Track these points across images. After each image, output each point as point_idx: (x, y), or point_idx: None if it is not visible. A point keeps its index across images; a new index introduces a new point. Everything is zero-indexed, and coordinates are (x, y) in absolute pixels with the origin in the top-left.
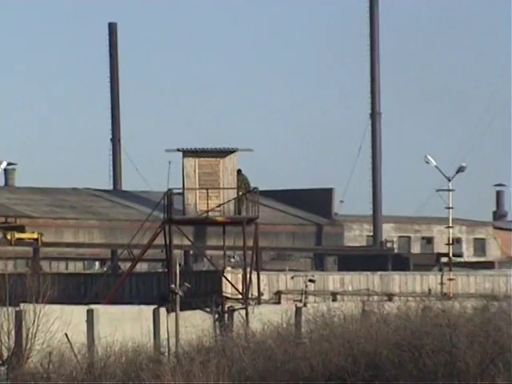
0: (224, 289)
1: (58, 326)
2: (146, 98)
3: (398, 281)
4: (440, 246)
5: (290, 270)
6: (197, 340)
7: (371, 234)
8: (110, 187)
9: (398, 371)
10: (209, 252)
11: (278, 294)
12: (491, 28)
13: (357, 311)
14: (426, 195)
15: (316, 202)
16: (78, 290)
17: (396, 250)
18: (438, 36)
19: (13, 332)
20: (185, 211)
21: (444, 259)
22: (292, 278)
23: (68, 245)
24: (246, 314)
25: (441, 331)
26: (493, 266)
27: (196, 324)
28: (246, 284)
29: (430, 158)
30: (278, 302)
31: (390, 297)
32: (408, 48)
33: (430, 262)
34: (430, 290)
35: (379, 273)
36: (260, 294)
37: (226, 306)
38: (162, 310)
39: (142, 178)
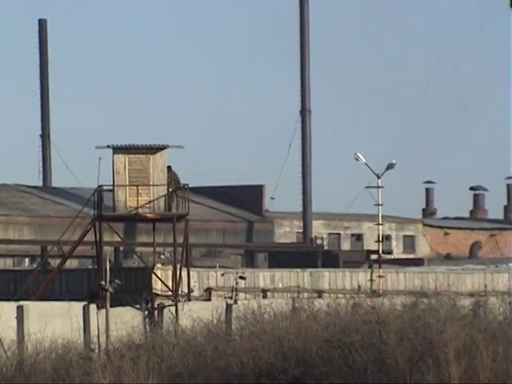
0: (154, 285)
1: None
2: (76, 94)
3: (327, 278)
4: (370, 243)
5: (220, 266)
6: (127, 337)
7: (301, 230)
8: (40, 183)
9: (328, 368)
10: (139, 249)
11: (209, 290)
12: (419, 26)
13: (287, 308)
14: (356, 192)
15: (247, 198)
16: (8, 287)
17: (326, 247)
18: (368, 33)
19: None
20: (115, 208)
21: (373, 256)
22: (222, 274)
23: None
24: (176, 310)
25: (370, 328)
26: (422, 263)
27: (126, 321)
28: (176, 281)
29: (359, 155)
30: (209, 299)
31: (319, 294)
32: (338, 45)
33: (360, 258)
34: (359, 286)
35: (309, 270)
36: (190, 290)
37: (156, 302)
38: (92, 307)
39: (72, 175)
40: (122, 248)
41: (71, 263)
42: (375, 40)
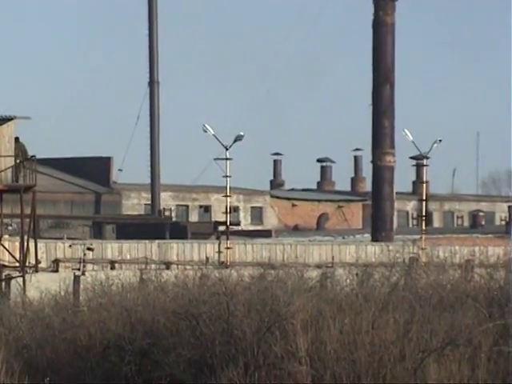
0: (1, 257)
1: None
2: None
3: (175, 249)
4: (218, 215)
5: (68, 238)
6: None
7: (149, 202)
8: None
9: (176, 339)
10: None
11: (56, 262)
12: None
13: (135, 279)
14: (204, 164)
15: (94, 170)
16: None
17: (174, 219)
18: (217, 5)
19: None
20: None
21: (221, 228)
22: (70, 246)
23: None
24: (24, 282)
25: (218, 299)
26: (270, 235)
27: None
28: (24, 252)
29: (207, 126)
30: (56, 271)
31: (167, 265)
32: (187, 17)
33: (208, 230)
34: (207, 258)
35: (157, 241)
36: (37, 262)
37: (4, 274)
38: None
39: None
40: None
41: None
42: (224, 13)
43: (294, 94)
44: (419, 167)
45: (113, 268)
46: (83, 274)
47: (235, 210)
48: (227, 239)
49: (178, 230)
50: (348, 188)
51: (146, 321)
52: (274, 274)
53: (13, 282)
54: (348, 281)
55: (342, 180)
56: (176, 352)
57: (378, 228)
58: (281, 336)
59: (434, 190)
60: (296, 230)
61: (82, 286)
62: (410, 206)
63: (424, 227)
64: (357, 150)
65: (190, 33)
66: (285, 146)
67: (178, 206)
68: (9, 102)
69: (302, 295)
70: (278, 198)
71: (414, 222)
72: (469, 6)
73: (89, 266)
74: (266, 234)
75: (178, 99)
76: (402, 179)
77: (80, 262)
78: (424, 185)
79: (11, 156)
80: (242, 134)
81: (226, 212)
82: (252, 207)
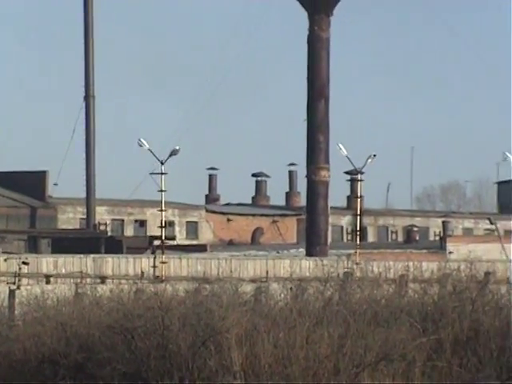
0: None
1: None
2: None
3: (111, 263)
4: (153, 229)
5: (3, 252)
6: None
7: (85, 216)
8: None
9: (111, 353)
10: None
11: None
12: (204, 11)
13: (70, 294)
14: (140, 178)
15: (30, 184)
16: None
17: (109, 233)
18: (153, 19)
19: None
20: None
21: (157, 242)
22: (5, 260)
23: None
24: None
25: (153, 314)
26: (205, 249)
27: None
28: None
29: (143, 141)
30: None
31: (103, 279)
32: (123, 31)
33: (143, 244)
34: (142, 272)
35: (92, 255)
36: None
37: None
38: None
39: None
40: None
41: None
42: (161, 27)
43: (230, 109)
44: (354, 182)
45: (48, 282)
46: (18, 288)
47: (170, 224)
48: (162, 254)
49: (114, 245)
50: (283, 203)
51: (81, 335)
52: (209, 288)
53: None
54: (282, 295)
55: (276, 195)
56: (111, 366)
57: (313, 243)
58: (215, 350)
59: (369, 204)
60: (231, 244)
61: (17, 300)
62: (345, 220)
63: (358, 242)
64: (292, 164)
65: (126, 47)
66: (220, 160)
67: (113, 220)
68: None
69: (237, 309)
70: (213, 212)
71: (349, 237)
72: (404, 21)
73: (24, 280)
74: (201, 248)
75: (113, 114)
76: (337, 194)
77: (15, 276)
78: (358, 200)
79: None
80: (177, 148)
81: (162, 226)
82: (187, 222)
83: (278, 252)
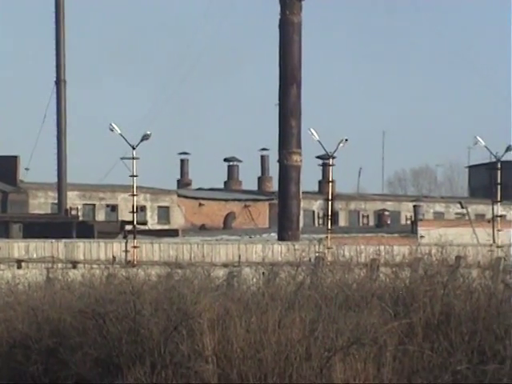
0: None
1: None
2: None
3: (82, 248)
4: (124, 214)
5: None
6: None
7: (56, 201)
8: None
9: (83, 338)
10: None
11: None
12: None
13: (41, 279)
14: (111, 163)
15: (1, 169)
16: None
17: (81, 218)
18: (126, 5)
19: None
20: None
21: (128, 227)
22: None
23: None
24: None
25: (125, 298)
26: (177, 234)
27: None
28: None
29: (114, 125)
30: None
31: (74, 264)
32: (93, 14)
33: (115, 229)
34: (114, 257)
35: (64, 240)
36: None
37: None
38: None
39: None
40: None
41: None
42: (132, 10)
43: (202, 93)
44: (325, 167)
45: (19, 267)
46: None
47: (142, 209)
48: (134, 238)
49: (85, 229)
50: (255, 187)
51: (53, 320)
52: (181, 273)
53: None
54: (254, 280)
55: (248, 179)
56: (82, 351)
57: (285, 227)
58: (187, 335)
59: (340, 189)
60: (203, 229)
61: None
62: (316, 205)
63: (330, 226)
64: (264, 149)
65: (97, 32)
66: (192, 145)
67: (84, 205)
68: None
69: (209, 294)
70: (184, 197)
71: (320, 222)
72: (373, 4)
73: None
74: (173, 233)
75: (85, 98)
76: (309, 179)
77: None
78: (330, 184)
79: None
80: (148, 133)
81: (133, 211)
82: (159, 206)
83: (250, 237)
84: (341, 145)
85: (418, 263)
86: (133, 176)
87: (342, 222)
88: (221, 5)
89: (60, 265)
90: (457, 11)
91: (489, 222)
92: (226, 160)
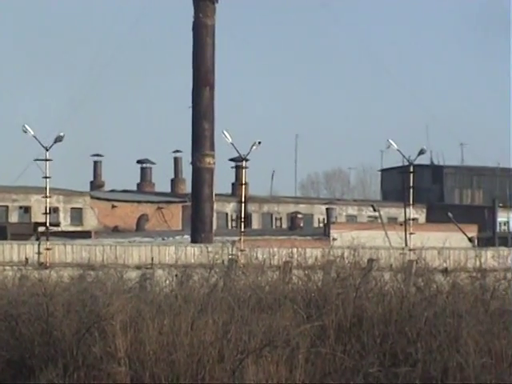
0: None
1: None
2: None
3: None
4: (38, 216)
5: None
6: None
7: None
8: None
9: None
10: None
11: None
12: None
13: None
14: (24, 165)
15: None
16: None
17: None
18: (41, 3)
19: None
20: None
21: (41, 228)
22: None
23: None
24: None
25: (38, 300)
26: (90, 236)
27: None
28: None
29: (27, 127)
30: None
31: None
32: (4, 11)
33: (28, 231)
34: (27, 259)
35: None
36: None
37: None
38: None
39: None
40: None
41: None
42: (47, 10)
43: (115, 95)
44: (238, 169)
45: None
46: None
47: (55, 210)
48: (47, 240)
49: None
50: (168, 189)
51: None
52: (94, 274)
53: None
54: (167, 282)
55: (162, 181)
56: None
57: (198, 229)
58: (100, 337)
59: (253, 191)
60: (116, 231)
61: None
62: (230, 207)
63: (243, 229)
64: (177, 151)
65: (12, 31)
66: (105, 147)
67: None
68: None
69: (122, 296)
70: (97, 199)
71: (234, 224)
72: (287, 8)
73: None
74: (86, 235)
75: None
76: (222, 181)
77: None
78: (243, 187)
79: None
80: (62, 134)
81: (46, 213)
82: (72, 208)
83: (163, 239)
84: (254, 147)
85: (330, 266)
86: (46, 177)
87: (256, 224)
88: (135, 6)
89: None
90: (369, 13)
91: (401, 225)
92: (138, 162)
